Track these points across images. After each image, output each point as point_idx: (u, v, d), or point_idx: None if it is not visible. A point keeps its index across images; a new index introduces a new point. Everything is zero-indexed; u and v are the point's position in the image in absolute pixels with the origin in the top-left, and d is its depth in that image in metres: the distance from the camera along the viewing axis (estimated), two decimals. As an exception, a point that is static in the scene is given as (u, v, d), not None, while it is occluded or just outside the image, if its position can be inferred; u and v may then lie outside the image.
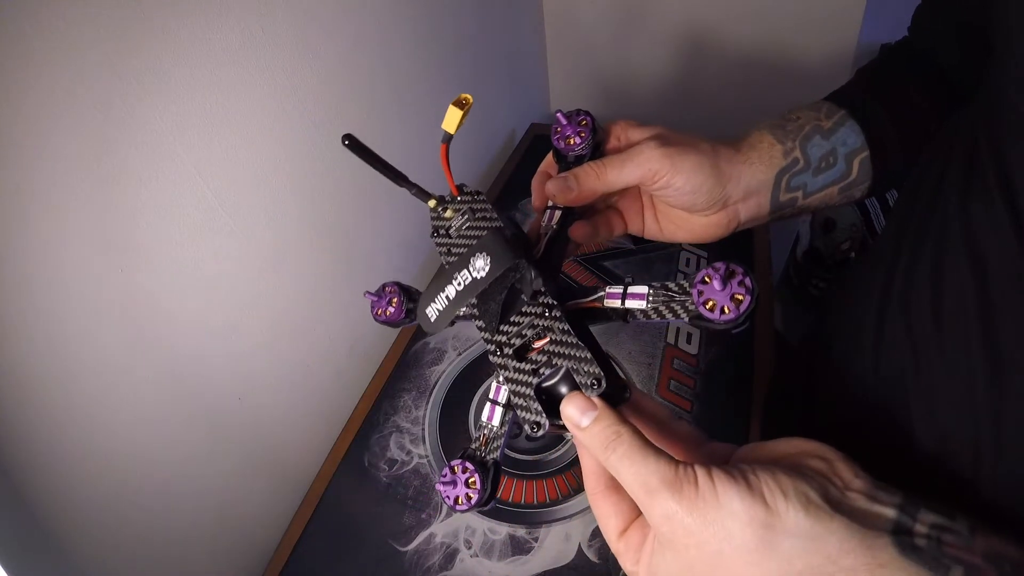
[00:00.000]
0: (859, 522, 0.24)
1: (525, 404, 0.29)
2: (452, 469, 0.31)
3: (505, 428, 0.32)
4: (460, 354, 0.74)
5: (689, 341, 0.73)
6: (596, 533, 0.57)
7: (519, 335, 0.30)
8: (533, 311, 0.31)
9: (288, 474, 0.64)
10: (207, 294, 0.50)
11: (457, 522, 0.59)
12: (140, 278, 0.43)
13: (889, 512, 0.25)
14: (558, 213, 0.38)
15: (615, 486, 0.29)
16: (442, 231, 0.35)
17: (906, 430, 0.35)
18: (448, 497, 0.31)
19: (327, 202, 0.62)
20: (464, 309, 0.32)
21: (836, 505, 0.25)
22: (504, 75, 1.05)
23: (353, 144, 0.30)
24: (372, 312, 0.39)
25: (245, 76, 0.48)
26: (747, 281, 0.28)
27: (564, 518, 0.58)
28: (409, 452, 0.66)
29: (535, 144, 1.10)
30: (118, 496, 0.44)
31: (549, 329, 0.30)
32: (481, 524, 0.59)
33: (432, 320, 0.31)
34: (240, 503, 0.58)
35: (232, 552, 0.58)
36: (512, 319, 0.31)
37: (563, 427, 0.29)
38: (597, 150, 0.39)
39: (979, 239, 0.31)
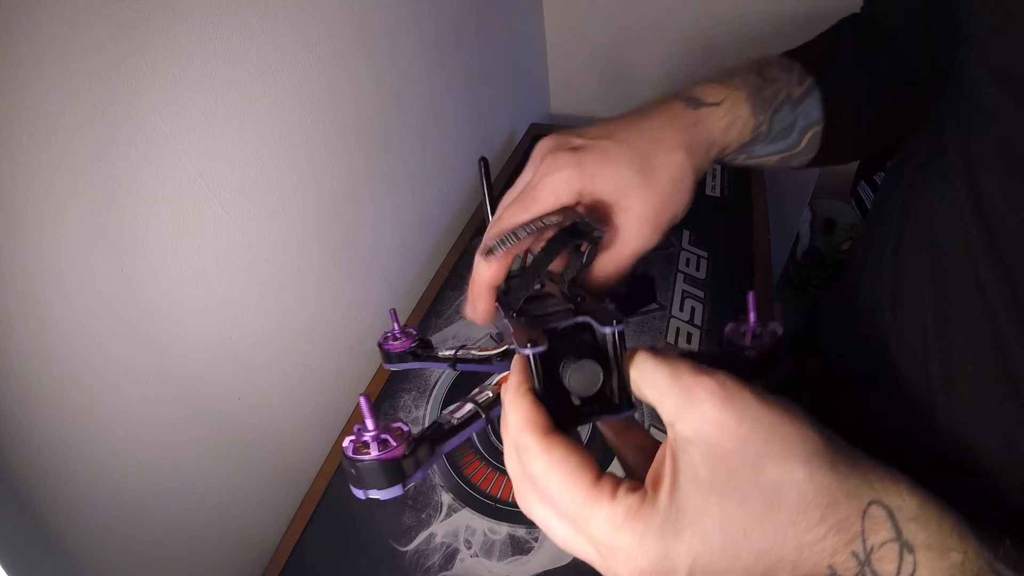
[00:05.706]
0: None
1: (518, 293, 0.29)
2: (388, 428, 0.26)
3: (464, 430, 0.28)
4: (460, 354, 0.74)
5: (689, 341, 0.73)
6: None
7: (534, 315, 0.28)
8: (561, 296, 0.30)
9: (288, 473, 0.64)
10: (207, 294, 0.50)
11: (457, 522, 0.59)
12: (140, 278, 0.43)
13: None
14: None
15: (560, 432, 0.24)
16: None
17: (869, 419, 0.36)
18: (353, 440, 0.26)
19: (327, 202, 0.62)
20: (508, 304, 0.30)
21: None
22: (504, 75, 1.05)
23: (485, 166, 0.32)
24: (383, 336, 0.40)
25: (245, 75, 0.49)
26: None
27: (564, 518, 0.58)
28: (409, 452, 0.65)
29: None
30: (118, 495, 0.44)
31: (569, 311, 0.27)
32: (481, 524, 0.59)
33: (493, 247, 0.29)
34: (240, 503, 0.58)
35: (232, 552, 0.58)
36: (535, 312, 0.28)
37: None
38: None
39: (936, 229, 0.32)
